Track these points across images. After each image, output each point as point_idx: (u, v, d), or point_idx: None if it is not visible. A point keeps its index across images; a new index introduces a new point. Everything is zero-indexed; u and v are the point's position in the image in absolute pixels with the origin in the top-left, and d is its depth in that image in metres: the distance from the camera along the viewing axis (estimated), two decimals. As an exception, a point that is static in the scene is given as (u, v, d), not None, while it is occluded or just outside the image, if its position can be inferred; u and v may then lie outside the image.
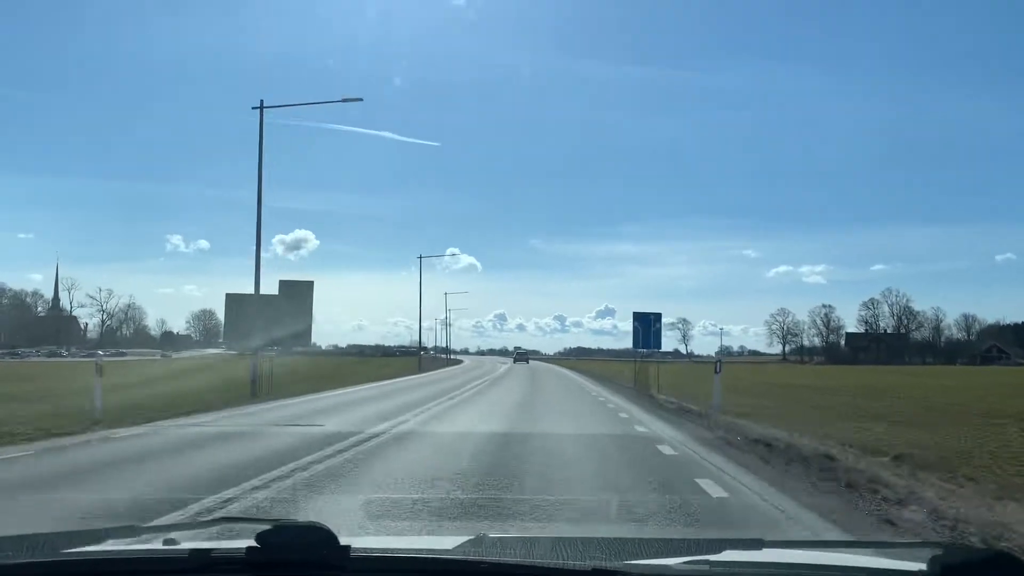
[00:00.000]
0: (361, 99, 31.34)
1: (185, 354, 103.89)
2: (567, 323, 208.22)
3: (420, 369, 55.96)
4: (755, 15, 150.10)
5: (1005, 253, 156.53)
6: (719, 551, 1.88)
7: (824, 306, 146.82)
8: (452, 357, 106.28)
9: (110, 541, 2.21)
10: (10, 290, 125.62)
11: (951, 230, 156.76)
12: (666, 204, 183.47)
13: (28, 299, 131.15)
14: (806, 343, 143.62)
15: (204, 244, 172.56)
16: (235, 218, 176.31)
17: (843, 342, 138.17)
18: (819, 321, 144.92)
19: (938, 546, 1.91)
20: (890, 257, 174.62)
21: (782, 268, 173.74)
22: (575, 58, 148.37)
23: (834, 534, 5.97)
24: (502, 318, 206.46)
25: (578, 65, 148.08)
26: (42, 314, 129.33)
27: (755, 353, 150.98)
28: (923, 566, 1.71)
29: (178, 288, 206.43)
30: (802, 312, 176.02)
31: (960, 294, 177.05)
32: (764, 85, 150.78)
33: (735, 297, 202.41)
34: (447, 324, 78.49)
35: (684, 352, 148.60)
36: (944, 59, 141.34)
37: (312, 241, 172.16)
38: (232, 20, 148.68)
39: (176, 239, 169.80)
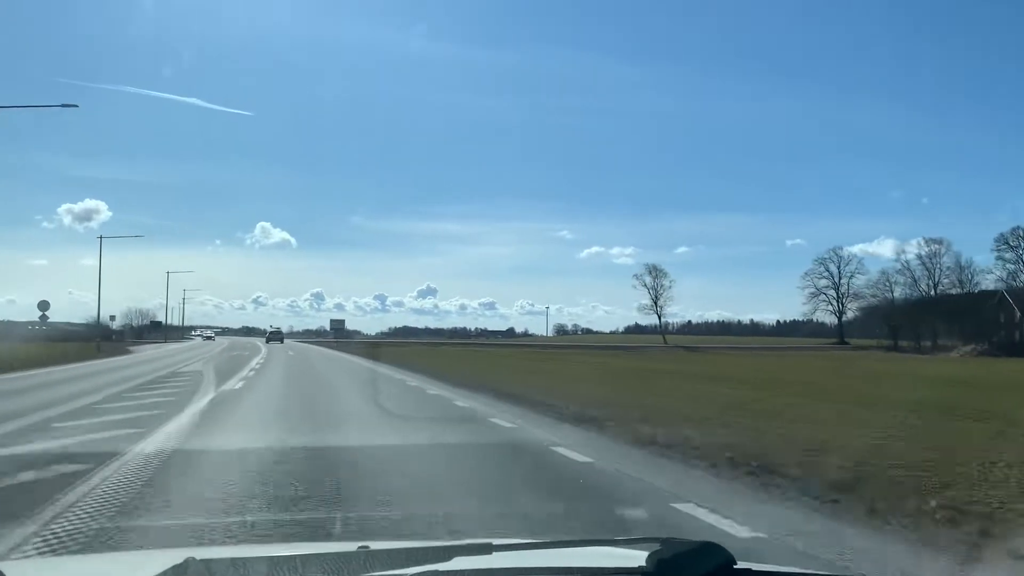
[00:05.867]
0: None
1: None
2: (388, 302, 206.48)
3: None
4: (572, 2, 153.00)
5: (795, 239, 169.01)
6: (449, 558, 1.84)
7: (929, 241, 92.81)
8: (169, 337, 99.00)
9: None
10: None
11: (746, 218, 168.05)
12: (488, 185, 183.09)
13: None
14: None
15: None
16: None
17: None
18: (915, 272, 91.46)
19: (657, 541, 1.92)
20: (693, 241, 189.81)
21: (594, 249, 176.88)
22: (399, 34, 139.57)
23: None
24: (319, 297, 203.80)
25: (402, 42, 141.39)
26: None
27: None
28: (643, 561, 1.79)
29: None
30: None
31: (759, 276, 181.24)
32: (577, 72, 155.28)
33: (552, 277, 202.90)
34: (99, 299, 71.58)
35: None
36: (744, 56, 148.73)
37: (105, 212, 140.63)
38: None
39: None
